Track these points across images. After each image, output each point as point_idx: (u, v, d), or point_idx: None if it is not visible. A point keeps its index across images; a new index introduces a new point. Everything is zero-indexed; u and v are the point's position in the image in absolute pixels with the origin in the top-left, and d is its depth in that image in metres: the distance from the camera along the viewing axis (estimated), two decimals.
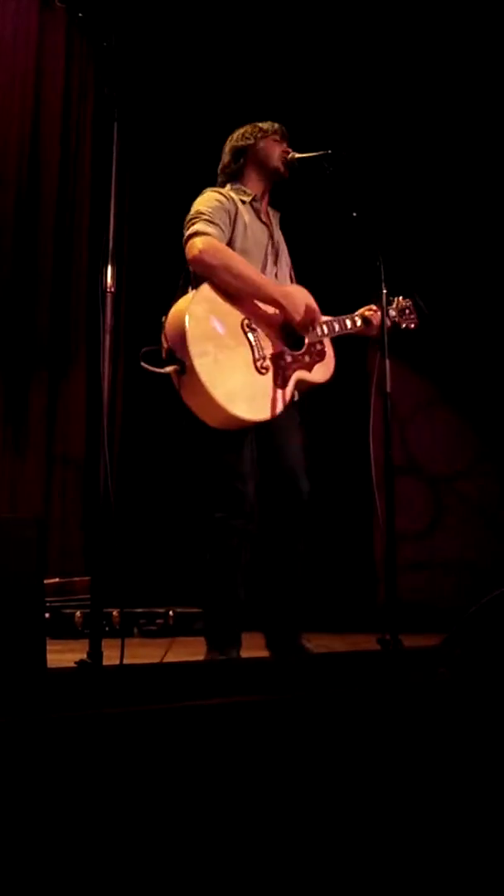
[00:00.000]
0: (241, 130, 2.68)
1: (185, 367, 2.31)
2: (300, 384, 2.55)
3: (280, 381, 2.48)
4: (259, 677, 1.93)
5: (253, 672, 2.07)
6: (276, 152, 2.63)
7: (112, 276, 2.13)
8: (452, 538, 4.92)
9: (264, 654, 2.53)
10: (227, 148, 2.68)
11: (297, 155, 2.63)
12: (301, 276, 2.85)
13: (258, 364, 2.44)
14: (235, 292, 2.42)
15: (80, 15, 2.11)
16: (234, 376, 2.37)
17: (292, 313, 2.49)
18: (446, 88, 4.80)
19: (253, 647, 2.54)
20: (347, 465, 4.51)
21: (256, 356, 2.44)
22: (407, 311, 2.86)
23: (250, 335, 2.45)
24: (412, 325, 2.88)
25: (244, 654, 2.46)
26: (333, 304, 2.75)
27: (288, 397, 2.49)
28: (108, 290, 2.13)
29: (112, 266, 2.14)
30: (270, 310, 2.51)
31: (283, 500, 2.54)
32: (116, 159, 2.20)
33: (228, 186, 2.63)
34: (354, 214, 2.58)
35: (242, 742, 1.42)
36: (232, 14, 4.78)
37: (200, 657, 2.43)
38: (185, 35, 4.93)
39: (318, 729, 1.51)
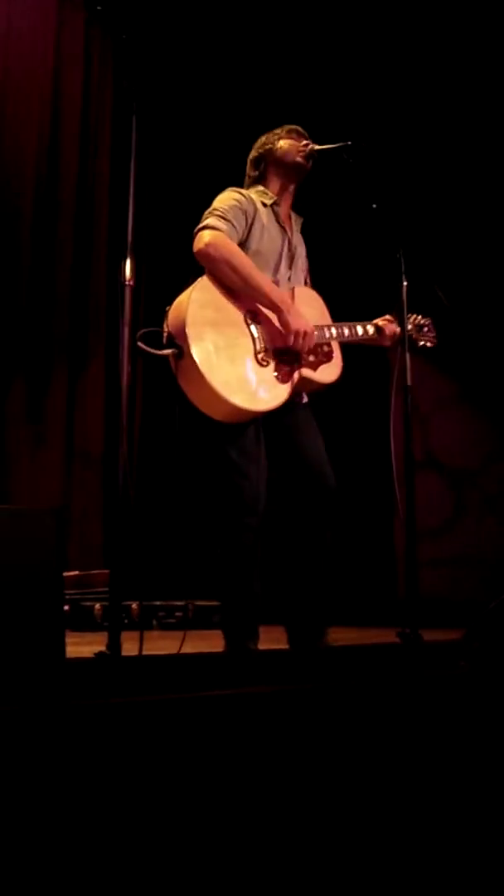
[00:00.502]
0: (258, 141, 2.70)
1: (183, 351, 2.30)
2: (304, 383, 2.53)
3: (282, 376, 2.46)
4: (277, 669, 1.93)
5: (270, 664, 2.07)
6: (294, 148, 2.62)
7: (131, 270, 2.13)
8: (472, 533, 4.89)
9: (282, 646, 2.53)
10: (248, 161, 2.70)
11: (317, 147, 2.62)
12: (321, 270, 2.84)
13: (259, 356, 2.42)
14: (235, 288, 2.42)
15: (98, 8, 2.11)
16: (232, 365, 2.35)
17: (284, 328, 2.43)
18: (469, 79, 4.75)
19: (271, 641, 2.53)
20: (368, 460, 4.49)
21: (258, 348, 2.42)
22: (425, 329, 2.84)
23: (253, 327, 2.44)
24: (429, 344, 2.86)
25: (262, 647, 2.46)
26: (354, 302, 2.74)
27: (289, 392, 2.46)
28: (128, 283, 2.13)
29: (131, 259, 2.13)
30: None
31: (309, 493, 2.52)
32: (135, 152, 2.20)
33: (252, 189, 2.64)
34: (374, 206, 2.56)
35: (259, 732, 1.41)
36: (250, 6, 4.76)
37: (219, 650, 2.43)
38: (204, 27, 4.91)
39: (336, 721, 1.51)
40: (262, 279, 2.44)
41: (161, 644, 2.62)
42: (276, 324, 2.44)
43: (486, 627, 2.04)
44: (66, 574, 3.60)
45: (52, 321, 4.67)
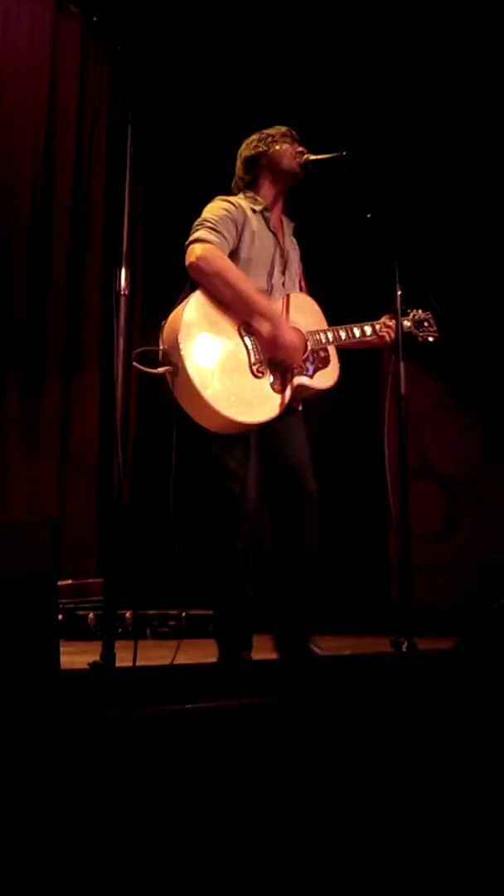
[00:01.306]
0: (249, 140, 2.67)
1: (178, 368, 2.31)
2: (301, 390, 2.53)
3: (278, 386, 2.46)
4: (270, 680, 1.93)
5: (264, 674, 2.07)
6: (287, 154, 2.62)
7: (126, 279, 2.14)
8: (466, 540, 4.89)
9: (275, 656, 2.53)
10: (238, 160, 2.68)
11: (312, 157, 2.63)
12: (315, 279, 2.84)
13: (254, 368, 2.43)
14: (227, 301, 2.42)
15: (94, 19, 2.12)
16: (228, 378, 2.36)
17: (273, 341, 2.43)
18: (462, 89, 4.78)
19: (266, 650, 2.53)
20: (361, 467, 4.50)
21: (252, 359, 2.43)
22: (426, 324, 2.83)
23: (247, 339, 2.44)
24: (430, 339, 2.84)
25: (256, 656, 2.46)
26: (350, 307, 2.74)
27: (286, 401, 2.47)
28: (122, 292, 2.13)
29: (126, 269, 2.14)
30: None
31: (290, 500, 2.53)
32: (130, 162, 2.20)
33: (241, 195, 2.63)
34: (369, 216, 2.57)
35: (254, 744, 1.41)
36: (245, 18, 4.78)
37: (212, 659, 2.43)
38: (199, 39, 4.94)
39: (330, 732, 1.51)
40: (253, 292, 2.45)
41: (155, 653, 2.62)
42: (267, 337, 2.45)
43: (480, 636, 2.04)
44: (59, 583, 3.60)
45: (46, 330, 4.68)
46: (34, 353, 4.60)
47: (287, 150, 2.62)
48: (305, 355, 2.53)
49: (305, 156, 2.62)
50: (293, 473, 2.54)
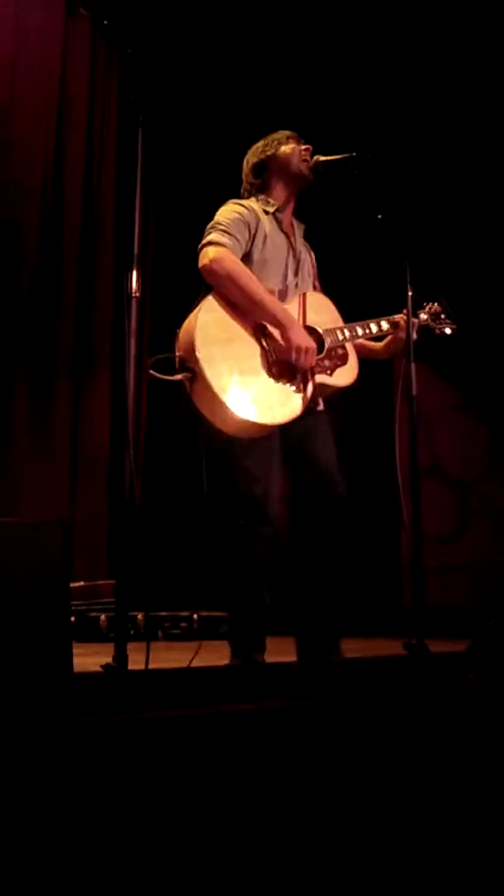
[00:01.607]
0: (255, 147, 2.69)
1: (195, 374, 2.32)
2: (321, 388, 2.53)
3: (297, 386, 2.46)
4: (284, 683, 1.93)
5: (278, 677, 2.06)
6: (295, 155, 2.62)
7: (137, 281, 2.14)
8: (479, 541, 4.87)
9: (290, 658, 2.52)
10: (246, 167, 2.69)
11: (322, 158, 2.62)
12: (327, 279, 2.84)
13: (272, 369, 2.43)
14: (240, 304, 2.42)
15: (104, 23, 2.12)
16: (245, 381, 2.36)
17: (285, 344, 2.42)
18: (473, 89, 4.77)
19: (278, 652, 2.53)
20: (373, 469, 4.49)
21: (270, 361, 2.43)
22: (443, 316, 2.81)
23: (263, 340, 2.44)
24: (448, 330, 2.82)
25: (269, 658, 2.46)
26: (362, 308, 2.73)
27: (306, 402, 2.46)
28: (133, 294, 2.13)
29: (137, 271, 2.14)
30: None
31: (321, 503, 2.51)
32: (141, 165, 2.20)
33: (253, 198, 2.63)
34: (380, 217, 2.56)
35: (267, 748, 1.41)
36: (256, 20, 4.79)
37: (225, 661, 2.43)
38: (209, 41, 4.94)
39: (344, 736, 1.50)
40: (266, 296, 2.44)
41: (167, 655, 2.62)
42: (280, 340, 2.45)
43: (493, 638, 2.03)
44: (72, 585, 3.60)
45: (57, 332, 4.69)
46: (44, 355, 4.62)
47: (294, 151, 2.62)
48: (323, 354, 2.53)
49: (316, 157, 2.63)
50: (321, 474, 2.53)
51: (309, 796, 1.42)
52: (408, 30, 4.76)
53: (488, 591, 4.62)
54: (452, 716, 1.64)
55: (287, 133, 2.68)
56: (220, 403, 2.31)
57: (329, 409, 2.64)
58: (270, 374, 2.42)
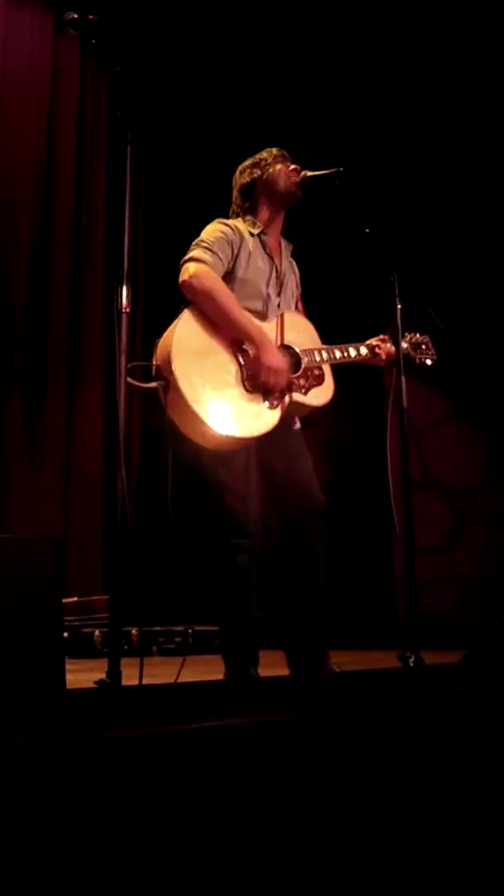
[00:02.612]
0: (243, 167, 2.70)
1: (169, 383, 2.33)
2: (295, 407, 2.54)
3: (272, 402, 2.47)
4: (278, 696, 1.92)
5: (272, 691, 2.06)
6: (282, 175, 2.64)
7: (127, 297, 2.15)
8: (471, 552, 4.88)
9: (283, 671, 2.52)
10: (235, 187, 2.71)
11: (310, 173, 2.65)
12: (315, 294, 2.86)
13: (246, 383, 2.44)
14: (216, 320, 2.44)
15: (93, 42, 2.15)
16: (219, 394, 2.37)
17: (256, 363, 2.43)
18: (459, 102, 4.82)
19: (271, 665, 2.52)
20: (365, 480, 4.50)
21: (245, 375, 2.44)
22: (423, 347, 2.84)
23: (239, 355, 2.45)
24: (427, 362, 2.86)
25: (263, 672, 2.45)
26: (350, 322, 2.75)
27: (280, 416, 2.47)
28: (124, 310, 2.14)
29: (127, 286, 2.15)
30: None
31: (300, 515, 2.53)
32: (130, 181, 2.22)
33: (240, 219, 2.66)
34: (367, 231, 2.58)
35: (261, 763, 1.41)
36: (243, 37, 4.83)
37: (219, 675, 2.42)
38: (197, 58, 4.99)
39: (338, 749, 1.50)
40: (241, 315, 2.46)
41: (162, 670, 2.60)
42: (252, 358, 2.46)
43: (486, 650, 2.03)
44: (65, 600, 3.59)
45: (49, 347, 4.70)
46: (36, 370, 4.63)
47: (282, 171, 2.64)
48: (300, 373, 2.54)
49: (303, 173, 2.65)
50: (303, 488, 2.54)
51: (305, 809, 1.41)
52: (393, 45, 4.81)
53: (482, 602, 4.63)
54: (446, 728, 1.64)
55: (275, 152, 2.69)
56: (193, 414, 2.32)
57: (319, 422, 2.65)
58: (244, 388, 2.43)
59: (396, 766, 1.55)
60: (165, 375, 2.35)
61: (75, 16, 2.23)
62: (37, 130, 4.72)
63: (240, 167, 2.72)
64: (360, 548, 4.80)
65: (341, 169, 2.60)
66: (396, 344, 2.54)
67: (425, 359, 2.85)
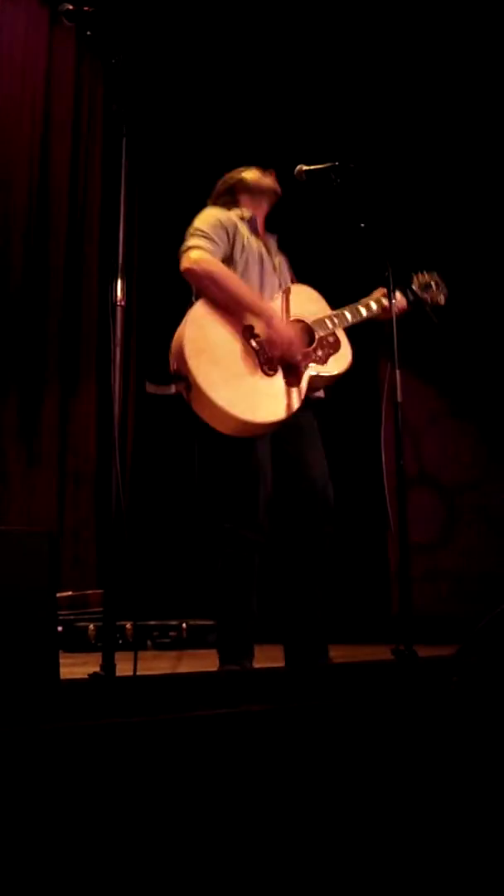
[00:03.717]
0: (222, 180, 2.74)
1: (189, 381, 2.34)
2: (316, 379, 2.55)
3: (292, 380, 2.48)
4: (271, 688, 1.93)
5: (265, 682, 2.06)
6: (258, 177, 2.69)
7: (122, 290, 2.15)
8: (466, 548, 4.89)
9: (278, 665, 2.52)
10: (216, 192, 2.74)
11: (305, 167, 2.65)
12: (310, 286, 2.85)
13: (264, 367, 2.45)
14: (224, 304, 2.45)
15: (88, 33, 2.14)
16: (239, 382, 2.38)
17: (269, 338, 2.45)
18: (453, 96, 4.81)
19: (267, 659, 2.53)
20: (359, 476, 4.50)
21: (262, 359, 2.45)
22: (434, 286, 2.82)
23: (252, 340, 2.46)
24: (441, 300, 2.82)
25: (257, 665, 2.45)
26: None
27: (303, 394, 2.48)
28: (119, 303, 2.14)
29: (122, 280, 2.15)
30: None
31: (310, 508, 2.53)
32: (125, 174, 2.22)
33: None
34: (363, 225, 2.58)
35: (255, 753, 1.41)
36: (239, 29, 4.82)
37: (213, 668, 2.42)
38: (193, 51, 4.97)
39: (331, 739, 1.50)
40: (247, 292, 2.48)
41: (156, 664, 2.61)
42: (264, 335, 2.47)
43: (479, 644, 2.04)
44: (59, 595, 3.59)
45: (44, 341, 4.68)
46: (31, 365, 4.61)
47: (257, 174, 2.70)
48: (315, 344, 2.55)
49: (299, 166, 2.66)
50: (315, 481, 2.54)
51: (298, 799, 1.42)
52: (388, 41, 4.80)
53: (476, 597, 4.64)
54: (438, 720, 1.64)
55: (246, 167, 2.74)
56: (217, 407, 2.33)
57: (315, 413, 2.65)
58: (263, 372, 2.44)
59: (389, 756, 1.55)
60: (184, 374, 2.36)
61: (70, 7, 2.22)
62: (31, 123, 4.70)
63: (217, 182, 2.76)
64: (354, 543, 4.81)
65: (337, 163, 2.60)
66: (391, 332, 2.54)
67: (438, 297, 2.82)
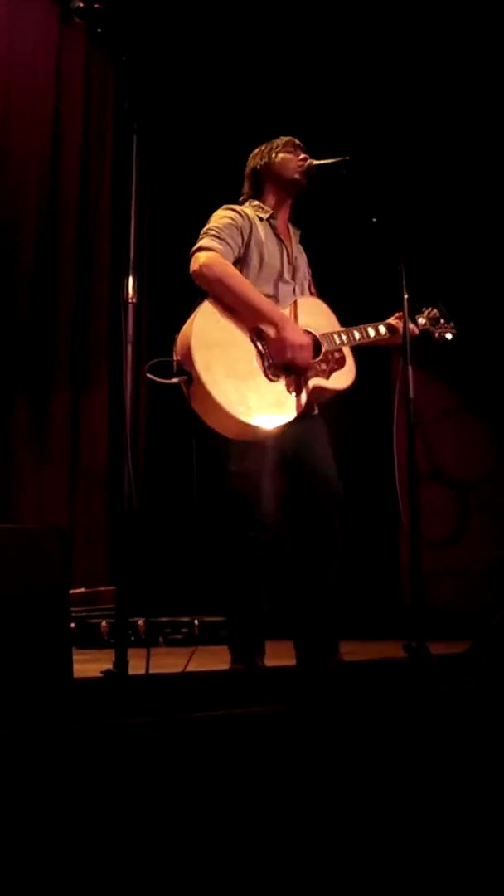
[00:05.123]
0: (255, 152, 2.71)
1: (192, 377, 2.33)
2: (318, 391, 2.53)
3: (294, 388, 2.47)
4: (284, 686, 1.93)
5: (278, 681, 2.06)
6: (291, 164, 2.64)
7: (133, 287, 2.15)
8: (478, 544, 4.87)
9: (289, 662, 2.52)
10: (246, 172, 2.71)
11: (316, 162, 2.64)
12: (323, 283, 2.84)
13: (268, 372, 2.43)
14: (232, 307, 2.43)
15: (98, 30, 2.13)
16: (242, 384, 2.37)
17: (279, 343, 2.43)
18: (467, 91, 4.78)
19: (278, 656, 2.53)
20: (371, 472, 4.49)
21: (266, 364, 2.44)
22: (442, 321, 2.82)
23: (259, 343, 2.45)
24: (448, 335, 2.83)
25: (269, 662, 2.46)
26: (360, 312, 2.74)
27: (303, 403, 2.47)
28: (130, 301, 2.14)
29: (133, 277, 2.15)
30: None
31: (322, 509, 2.51)
32: (136, 172, 2.22)
33: (247, 204, 2.65)
34: (374, 220, 2.57)
35: (267, 752, 1.41)
36: (249, 25, 4.81)
37: (225, 666, 2.43)
38: (203, 48, 4.96)
39: (343, 739, 1.50)
40: (257, 297, 2.45)
41: (168, 661, 2.62)
42: (274, 339, 2.45)
43: (491, 641, 2.03)
44: (72, 591, 3.60)
45: (55, 339, 4.69)
46: (43, 363, 4.62)
47: (290, 160, 2.64)
48: (320, 358, 2.54)
49: (308, 161, 2.64)
50: (320, 479, 2.53)
51: (310, 799, 1.42)
52: (401, 34, 4.78)
53: (488, 593, 4.62)
54: (452, 718, 1.64)
55: (286, 139, 2.69)
56: (218, 407, 2.31)
57: (327, 412, 2.64)
58: (267, 377, 2.43)
59: (400, 756, 1.55)
60: (187, 370, 2.34)
61: (81, 4, 2.22)
62: (42, 120, 4.71)
63: (253, 152, 2.72)
64: (366, 539, 4.80)
65: (348, 158, 2.59)
66: (405, 333, 2.53)
67: (445, 333, 2.82)
